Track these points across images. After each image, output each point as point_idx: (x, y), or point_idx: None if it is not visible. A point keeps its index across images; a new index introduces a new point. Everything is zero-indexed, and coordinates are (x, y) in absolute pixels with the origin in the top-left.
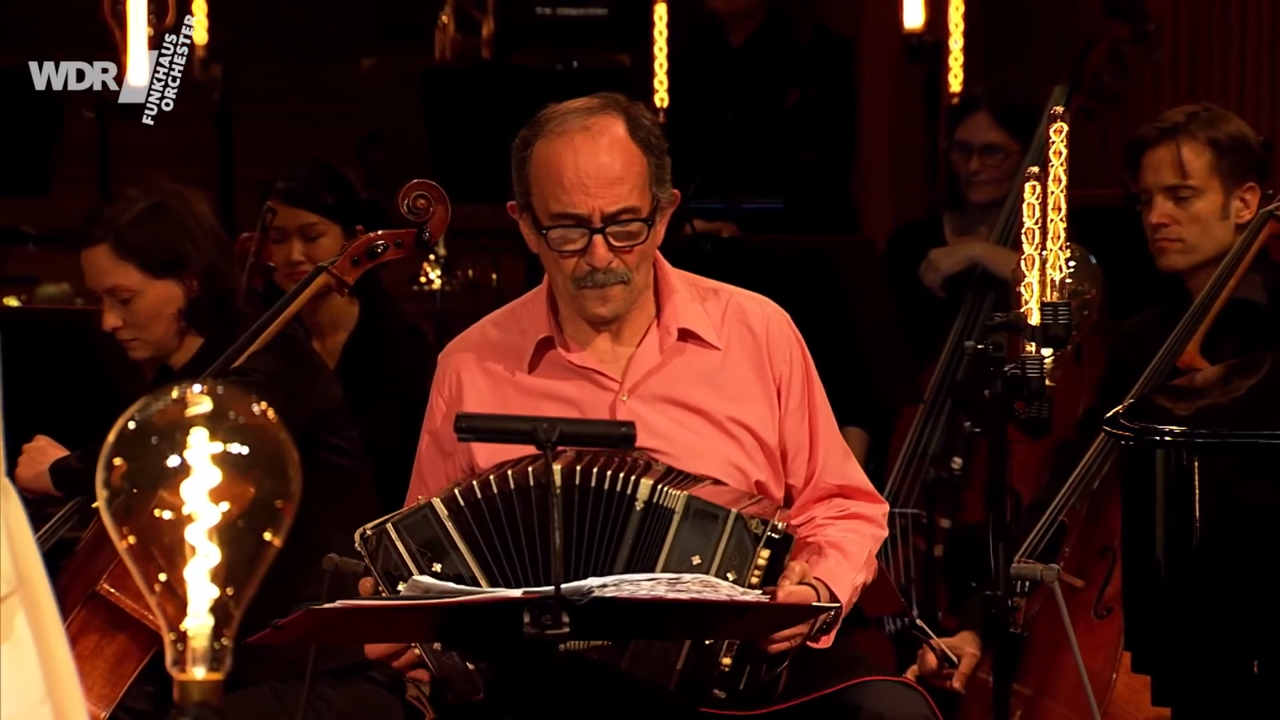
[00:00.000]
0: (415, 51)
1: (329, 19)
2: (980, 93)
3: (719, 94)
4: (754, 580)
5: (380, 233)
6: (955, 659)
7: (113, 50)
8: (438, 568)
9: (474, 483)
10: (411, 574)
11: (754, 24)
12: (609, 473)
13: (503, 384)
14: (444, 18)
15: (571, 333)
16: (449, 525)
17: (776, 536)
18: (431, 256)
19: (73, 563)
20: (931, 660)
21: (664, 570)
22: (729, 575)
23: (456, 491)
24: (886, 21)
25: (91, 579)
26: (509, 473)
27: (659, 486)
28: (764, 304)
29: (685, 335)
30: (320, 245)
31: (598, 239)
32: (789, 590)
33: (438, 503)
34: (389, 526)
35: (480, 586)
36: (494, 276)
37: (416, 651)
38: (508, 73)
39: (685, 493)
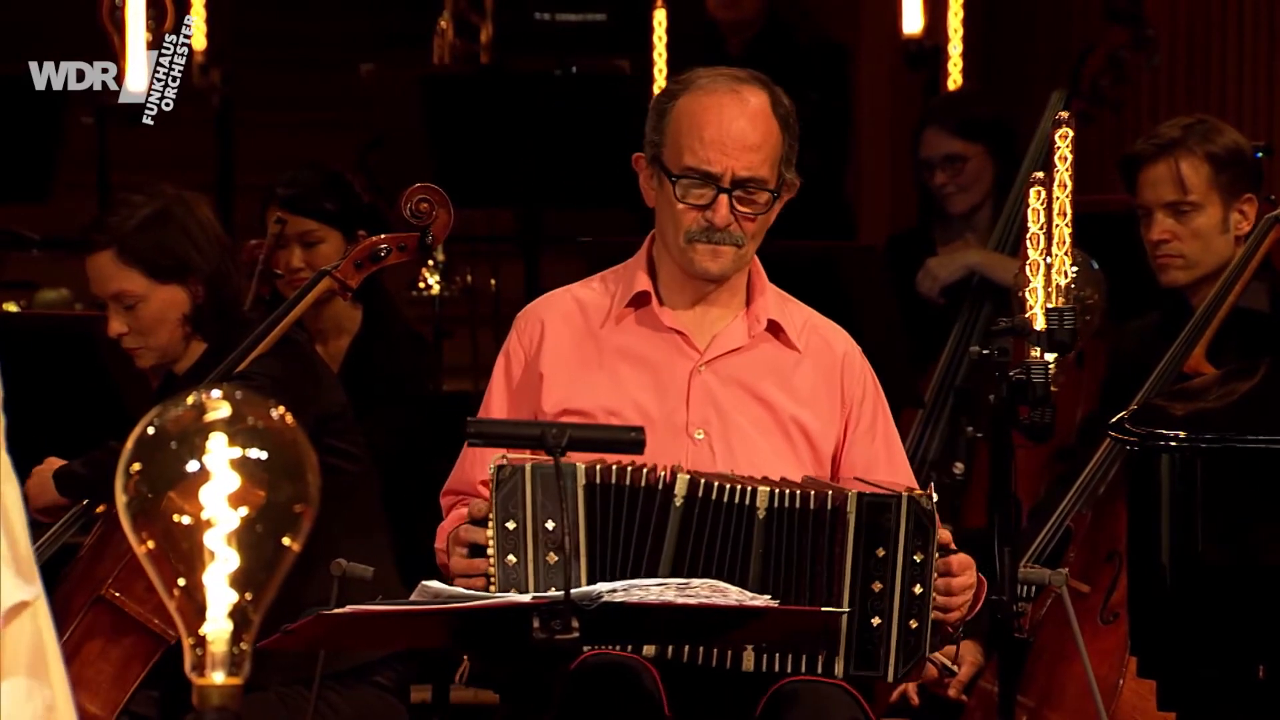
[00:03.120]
0: (415, 57)
1: (328, 24)
2: (925, 110)
3: None
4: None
5: (383, 236)
6: (955, 668)
7: (112, 56)
8: (550, 525)
9: (613, 466)
10: (525, 518)
11: (752, 32)
12: (728, 486)
13: (584, 338)
14: (443, 23)
15: (667, 293)
16: (581, 495)
17: (930, 507)
18: (430, 262)
19: (77, 568)
20: (931, 670)
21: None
22: (915, 557)
23: (602, 469)
24: (883, 27)
25: (96, 584)
26: (645, 470)
27: (788, 493)
28: (842, 332)
29: (772, 328)
30: (320, 252)
31: (723, 198)
32: (957, 560)
33: (581, 469)
34: (527, 467)
35: (578, 565)
36: (493, 282)
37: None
38: (508, 78)
39: (853, 491)
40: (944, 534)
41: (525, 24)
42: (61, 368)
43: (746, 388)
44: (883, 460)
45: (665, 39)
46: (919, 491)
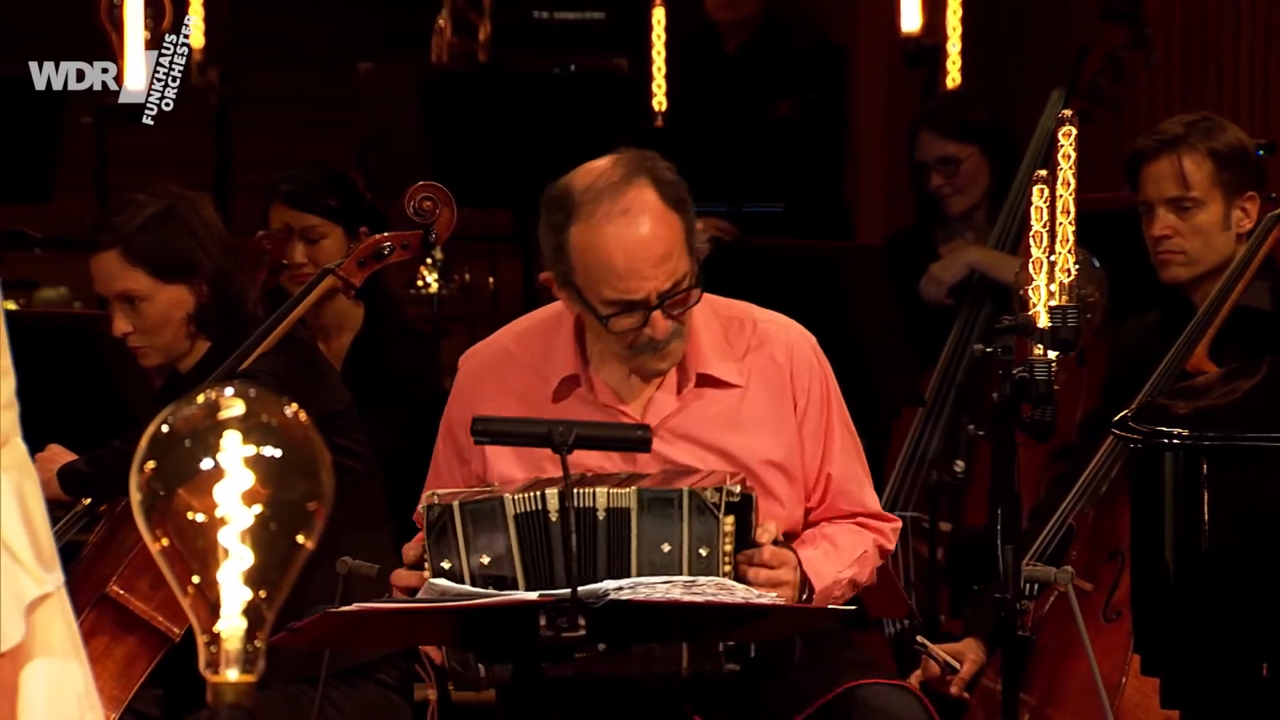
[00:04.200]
0: (413, 56)
1: (327, 24)
2: (919, 113)
3: (714, 100)
4: (727, 548)
5: (387, 234)
6: (957, 665)
7: (111, 55)
8: (485, 560)
9: (535, 493)
10: (460, 557)
11: (749, 32)
12: (561, 491)
13: (523, 408)
14: (441, 21)
15: (597, 371)
16: (511, 526)
17: (735, 499)
18: (429, 260)
19: (81, 565)
20: (934, 667)
21: (638, 568)
22: (702, 551)
23: (526, 495)
24: (881, 26)
25: (100, 581)
26: (558, 490)
27: (611, 491)
28: (789, 329)
29: (704, 380)
30: (322, 247)
31: (656, 315)
32: (771, 551)
33: (509, 500)
34: (455, 505)
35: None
36: (491, 280)
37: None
38: (506, 77)
39: (634, 488)
40: (770, 525)
41: (523, 23)
42: (63, 366)
43: (697, 441)
44: (826, 465)
45: (664, 38)
46: (709, 486)
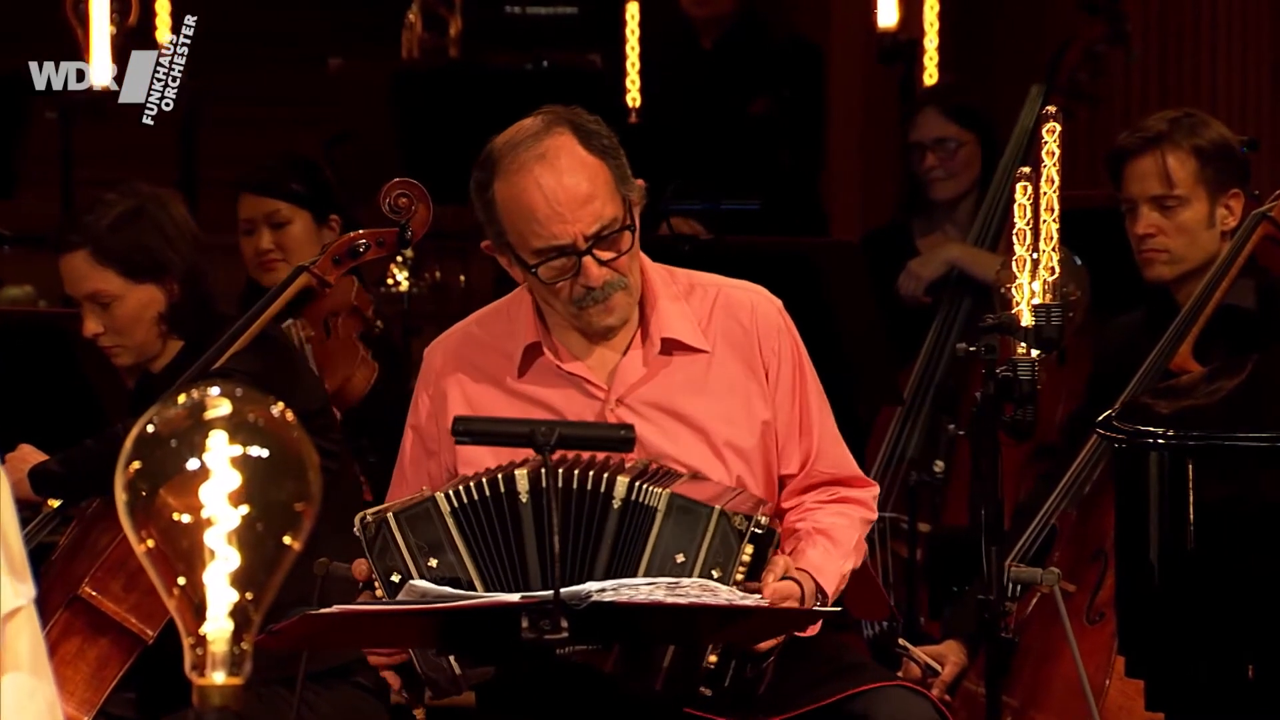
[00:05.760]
0: (383, 51)
1: (295, 19)
2: (922, 93)
3: (689, 96)
4: (739, 576)
5: (362, 231)
6: (938, 668)
7: (78, 51)
8: (434, 563)
9: (470, 483)
10: (407, 565)
11: (724, 28)
12: (576, 471)
13: (489, 387)
14: (411, 16)
15: (559, 338)
16: (449, 522)
17: (760, 532)
18: (399, 258)
19: (52, 567)
20: (915, 670)
21: (647, 570)
22: (713, 573)
23: (457, 488)
24: (855, 21)
25: (73, 583)
26: (486, 478)
27: (637, 484)
28: (752, 292)
29: (670, 345)
30: (289, 233)
31: (587, 260)
32: (774, 587)
33: (440, 497)
34: (390, 516)
35: (475, 589)
36: (462, 278)
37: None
38: (479, 73)
39: (667, 490)
40: (779, 561)
41: (495, 18)
42: (34, 365)
43: (663, 409)
44: (805, 427)
45: (638, 32)
46: (739, 512)
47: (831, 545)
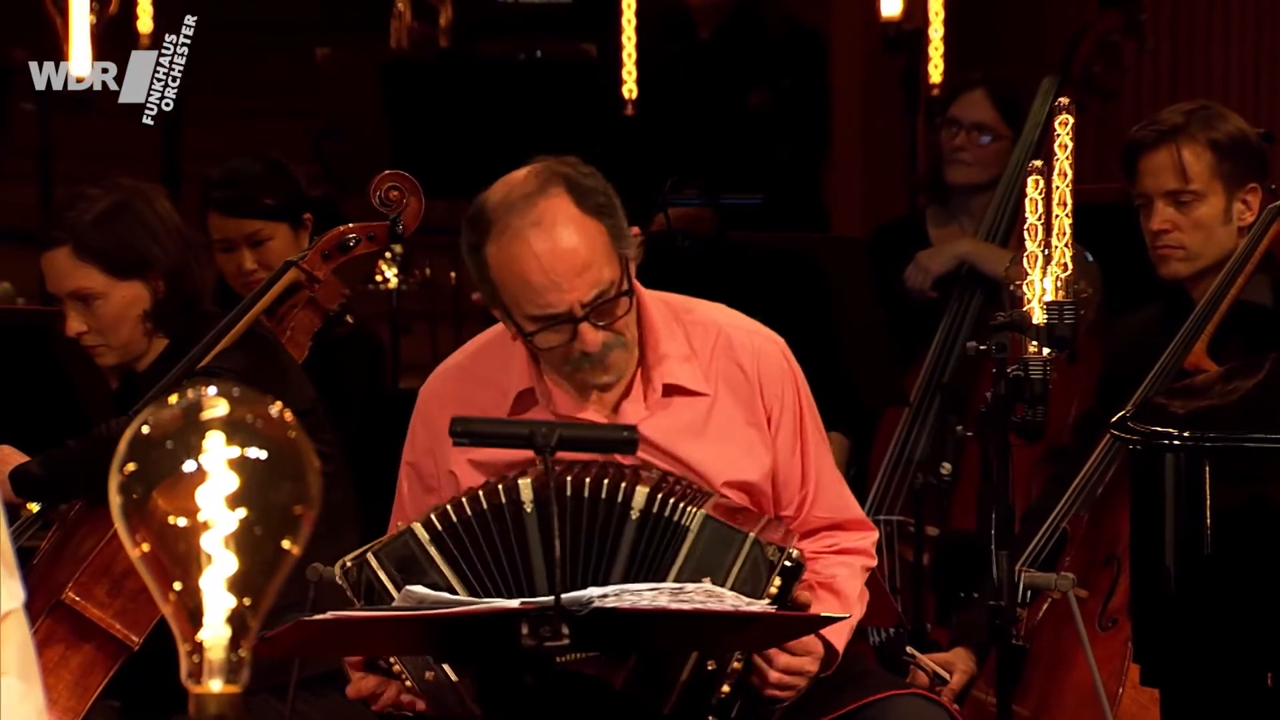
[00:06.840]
0: (371, 42)
1: (281, 8)
2: (979, 74)
3: (687, 88)
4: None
5: (352, 225)
6: (946, 676)
7: (57, 42)
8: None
9: (448, 506)
10: (394, 598)
11: (722, 17)
12: (588, 479)
13: None
14: (400, 5)
15: (555, 381)
16: (430, 549)
17: (790, 565)
18: (388, 254)
19: (34, 571)
20: (922, 678)
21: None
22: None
23: (434, 515)
24: (857, 10)
25: (55, 588)
26: (480, 492)
27: (661, 497)
28: (754, 335)
29: (670, 390)
30: (270, 249)
31: (583, 327)
32: (787, 661)
33: (417, 527)
34: (369, 555)
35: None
36: (452, 275)
37: (394, 693)
38: (470, 63)
39: (701, 510)
40: (802, 596)
41: (487, 6)
42: (15, 364)
43: (662, 451)
44: (805, 474)
45: (634, 22)
46: (773, 543)
47: (834, 599)
